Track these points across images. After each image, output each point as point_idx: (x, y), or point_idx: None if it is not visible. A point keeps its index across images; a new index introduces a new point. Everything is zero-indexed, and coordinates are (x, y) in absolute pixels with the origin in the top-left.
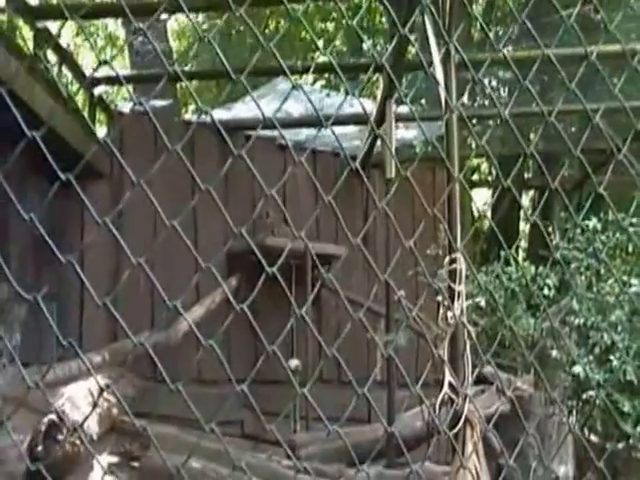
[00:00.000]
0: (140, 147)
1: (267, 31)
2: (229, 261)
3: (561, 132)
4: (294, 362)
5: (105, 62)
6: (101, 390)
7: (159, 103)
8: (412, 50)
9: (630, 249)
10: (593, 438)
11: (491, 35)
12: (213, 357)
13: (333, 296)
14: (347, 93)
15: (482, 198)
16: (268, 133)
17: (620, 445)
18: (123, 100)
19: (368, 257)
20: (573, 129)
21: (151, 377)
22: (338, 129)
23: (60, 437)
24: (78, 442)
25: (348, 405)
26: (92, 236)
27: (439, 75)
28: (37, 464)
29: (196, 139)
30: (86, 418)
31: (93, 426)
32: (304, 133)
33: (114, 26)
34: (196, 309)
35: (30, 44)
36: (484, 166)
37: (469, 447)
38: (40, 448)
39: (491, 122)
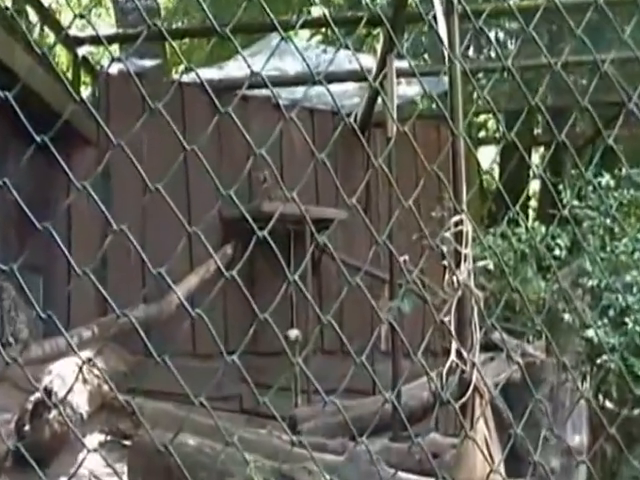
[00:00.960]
0: (129, 110)
1: None
2: (224, 228)
3: (568, 83)
4: (294, 332)
5: (82, 16)
6: (83, 364)
7: (148, 63)
8: (413, 2)
9: None
10: (608, 404)
11: None
12: (209, 329)
13: (335, 263)
14: (341, 46)
15: (490, 156)
16: (264, 93)
17: (636, 411)
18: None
19: (365, 218)
20: (584, 81)
21: (144, 352)
22: (337, 87)
23: (48, 416)
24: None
25: (353, 377)
26: (76, 202)
27: (441, 26)
28: (20, 444)
29: (188, 100)
30: (68, 392)
31: (82, 404)
32: (301, 92)
33: None
34: (190, 279)
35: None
36: (491, 123)
37: (478, 417)
38: (27, 427)
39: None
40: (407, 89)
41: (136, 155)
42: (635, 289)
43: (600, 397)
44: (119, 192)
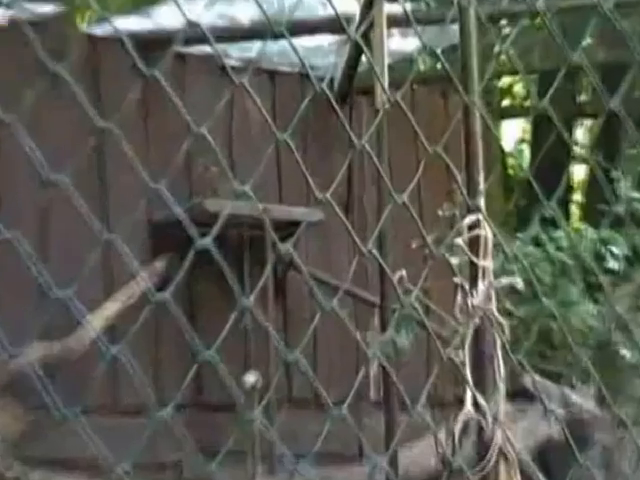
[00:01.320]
0: (22, 73)
1: None
2: (155, 236)
3: (619, 27)
4: (251, 377)
5: None
6: None
7: (47, 9)
8: None
9: None
10: None
11: None
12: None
13: (309, 281)
14: None
15: (517, 133)
16: (208, 50)
17: None
18: None
19: (345, 220)
20: None
21: (46, 407)
22: (307, 41)
23: None
24: None
25: (330, 436)
26: None
27: None
28: None
29: (103, 59)
30: None
31: None
32: (258, 48)
33: None
34: (108, 305)
35: None
36: (518, 87)
37: None
38: None
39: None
40: (402, 43)
41: (33, 135)
42: None
43: None
44: (10, 186)
